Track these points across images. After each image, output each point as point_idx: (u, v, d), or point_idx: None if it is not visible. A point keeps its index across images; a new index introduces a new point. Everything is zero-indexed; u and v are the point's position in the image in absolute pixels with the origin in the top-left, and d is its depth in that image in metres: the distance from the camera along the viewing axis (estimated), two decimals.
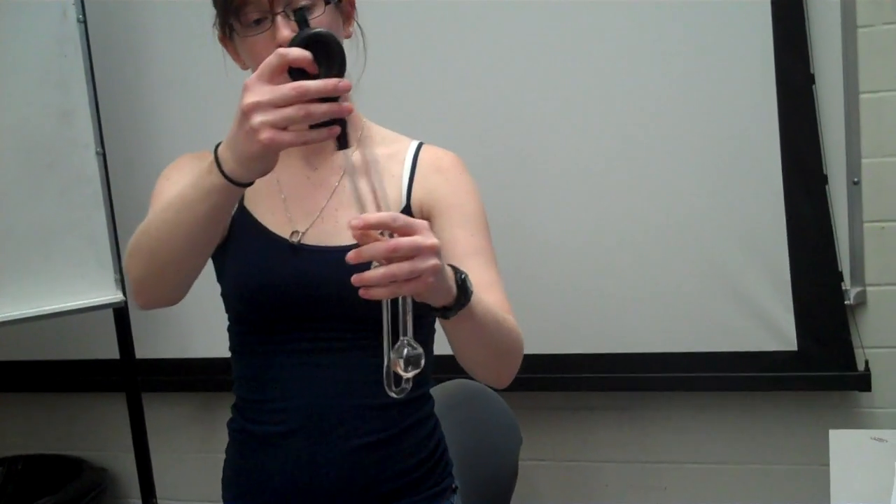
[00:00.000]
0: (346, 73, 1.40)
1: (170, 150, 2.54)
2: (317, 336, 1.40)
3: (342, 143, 1.10)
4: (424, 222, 1.10)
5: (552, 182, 2.39)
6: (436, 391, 1.68)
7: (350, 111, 1.08)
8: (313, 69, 1.08)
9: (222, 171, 1.14)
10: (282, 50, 1.08)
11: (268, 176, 1.42)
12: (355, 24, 1.46)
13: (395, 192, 1.44)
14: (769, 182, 2.25)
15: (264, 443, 1.44)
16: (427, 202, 1.44)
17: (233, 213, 1.38)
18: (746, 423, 2.45)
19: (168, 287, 1.32)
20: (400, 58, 2.38)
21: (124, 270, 1.32)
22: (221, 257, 1.45)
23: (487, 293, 1.33)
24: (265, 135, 1.07)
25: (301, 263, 1.40)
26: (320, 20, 1.32)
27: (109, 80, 2.56)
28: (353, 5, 1.45)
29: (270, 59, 1.08)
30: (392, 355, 1.13)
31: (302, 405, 1.41)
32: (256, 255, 1.42)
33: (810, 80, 2.21)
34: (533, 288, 2.39)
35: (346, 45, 1.42)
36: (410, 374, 1.14)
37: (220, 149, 1.15)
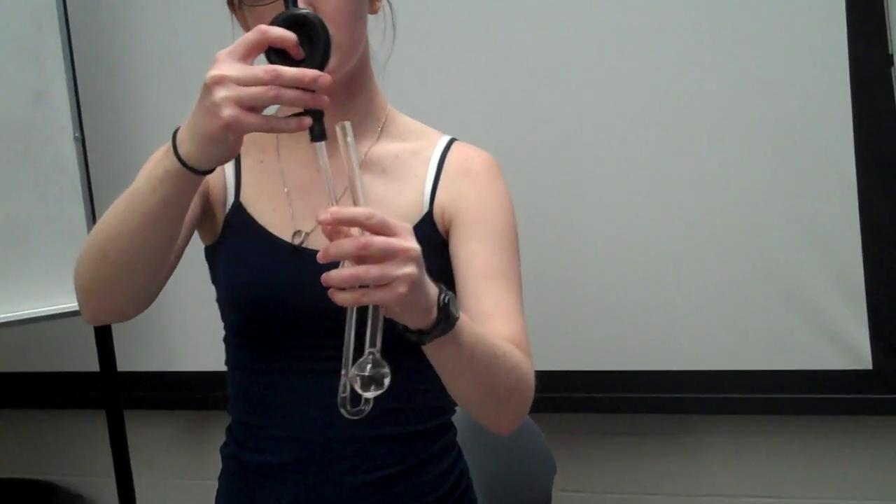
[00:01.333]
0: (372, 53, 1.40)
1: (156, 135, 2.53)
2: (323, 354, 1.36)
3: (316, 134, 1.09)
4: (407, 225, 1.07)
5: (594, 179, 2.40)
6: (459, 413, 1.68)
7: (325, 103, 1.07)
8: (297, 53, 1.08)
9: (177, 154, 1.12)
10: (264, 27, 1.07)
11: (272, 166, 1.42)
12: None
13: (417, 193, 1.43)
14: (840, 177, 2.24)
15: (261, 475, 1.42)
16: (450, 209, 1.42)
17: (190, 210, 1.35)
18: (813, 452, 2.43)
19: (119, 296, 1.28)
20: (431, 38, 2.38)
21: (74, 278, 1.30)
22: (214, 259, 1.44)
23: (499, 322, 1.30)
24: (227, 111, 1.05)
25: (301, 269, 1.37)
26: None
27: (89, 55, 2.57)
28: None
29: (249, 35, 1.07)
30: (353, 370, 1.10)
31: (305, 434, 1.39)
32: (253, 259, 1.40)
33: (888, 62, 2.19)
34: (570, 297, 2.38)
35: (372, 21, 1.42)
36: (371, 395, 1.10)
37: (179, 129, 1.14)
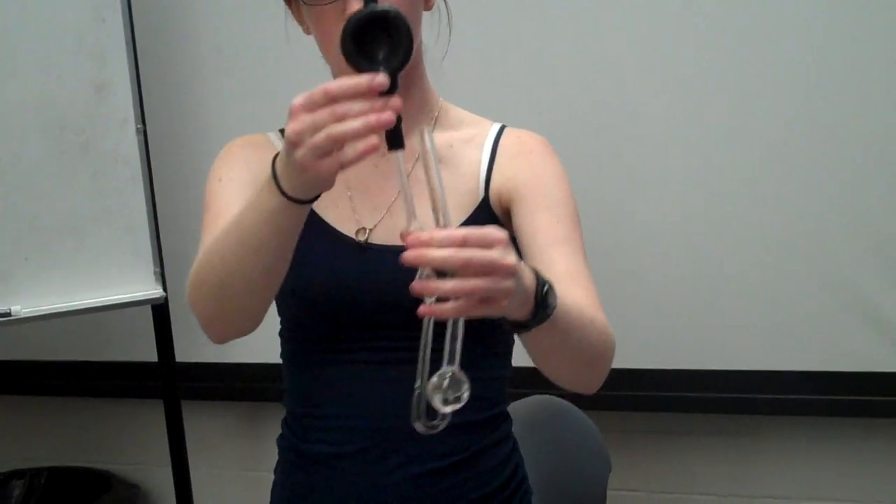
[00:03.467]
0: (424, 48, 1.39)
1: (218, 128, 2.59)
2: (384, 346, 1.40)
3: (393, 142, 1.07)
4: (503, 235, 1.05)
5: (653, 174, 2.38)
6: (515, 407, 1.68)
7: (390, 120, 1.03)
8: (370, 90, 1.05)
9: (282, 190, 1.13)
10: (329, 87, 1.04)
11: None
12: None
13: (472, 180, 1.44)
14: None
15: (319, 464, 1.45)
16: (507, 189, 1.43)
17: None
18: (871, 455, 2.41)
19: (242, 320, 1.30)
20: (484, 32, 2.38)
21: (189, 304, 1.31)
22: None
23: (572, 286, 1.30)
24: (310, 166, 1.06)
25: (368, 264, 1.40)
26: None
27: (152, 48, 2.60)
28: None
29: (332, 90, 1.04)
30: (430, 386, 1.08)
31: (364, 424, 1.41)
32: (318, 255, 1.42)
33: None
34: (627, 294, 2.38)
35: (426, 18, 1.43)
36: (449, 410, 1.10)
37: (276, 164, 1.14)
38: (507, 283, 1.04)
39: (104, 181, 2.44)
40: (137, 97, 2.45)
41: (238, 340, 2.71)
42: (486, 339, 1.44)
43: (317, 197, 1.16)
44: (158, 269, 2.47)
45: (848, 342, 2.29)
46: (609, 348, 1.34)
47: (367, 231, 1.42)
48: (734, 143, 2.32)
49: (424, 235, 1.02)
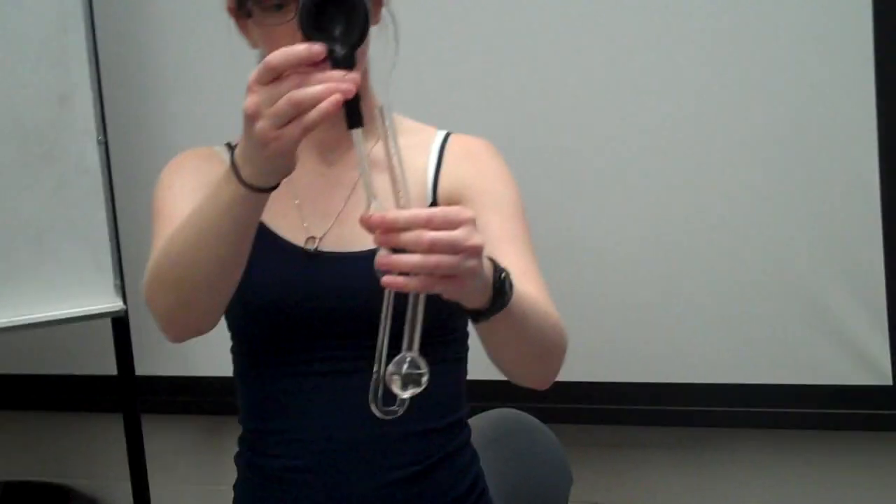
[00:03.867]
0: (374, 66, 1.40)
1: (180, 139, 2.57)
2: (336, 356, 1.40)
3: (352, 120, 1.08)
4: (469, 214, 1.07)
5: (603, 183, 2.40)
6: (476, 421, 1.68)
7: (350, 88, 1.05)
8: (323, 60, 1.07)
9: (241, 179, 1.14)
10: (288, 50, 1.06)
11: None
12: (385, 10, 1.46)
13: (419, 186, 1.44)
14: (863, 189, 2.23)
15: (277, 479, 1.44)
16: (455, 192, 1.44)
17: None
18: (831, 468, 2.42)
19: (201, 314, 1.30)
20: (426, 43, 2.39)
21: (146, 302, 1.31)
22: None
23: (524, 282, 1.31)
24: (270, 139, 1.07)
25: (318, 273, 1.40)
26: None
27: (114, 59, 2.59)
28: None
29: (272, 61, 1.06)
30: (390, 368, 1.09)
31: (321, 436, 1.41)
32: (267, 266, 1.41)
33: None
34: (585, 306, 2.38)
35: (373, 32, 1.43)
36: (408, 395, 1.11)
37: (235, 154, 1.15)
38: (472, 263, 1.06)
39: (66, 192, 2.42)
40: (99, 108, 2.44)
41: (197, 352, 2.70)
42: (439, 346, 1.44)
43: (276, 186, 1.16)
44: (119, 282, 2.46)
45: (811, 356, 2.30)
46: (562, 342, 1.36)
47: (317, 240, 1.42)
48: (704, 160, 2.34)
49: (389, 216, 1.03)
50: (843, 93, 2.23)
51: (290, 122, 1.06)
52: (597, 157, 2.39)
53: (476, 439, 1.55)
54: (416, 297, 1.09)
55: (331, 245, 1.42)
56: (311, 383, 1.41)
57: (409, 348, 1.09)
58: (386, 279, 1.04)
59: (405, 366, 1.09)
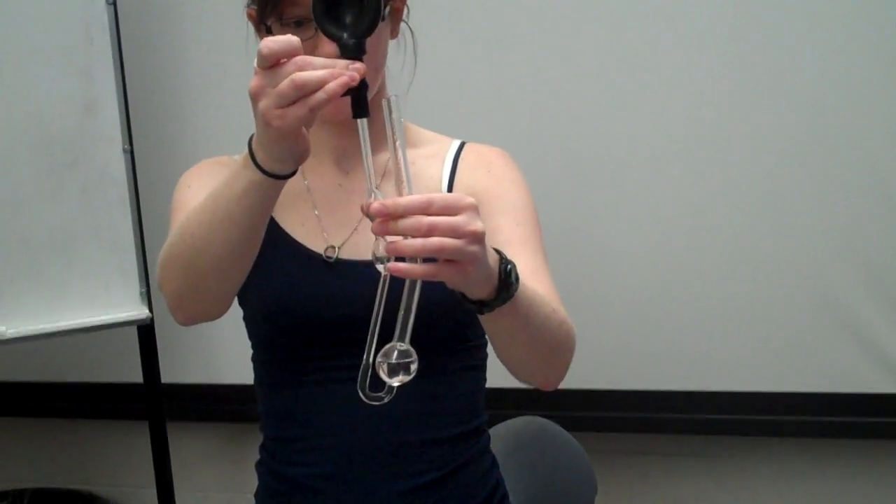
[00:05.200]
0: (392, 79, 1.41)
1: (205, 148, 2.56)
2: (356, 363, 1.39)
3: (358, 109, 1.10)
4: (471, 201, 1.07)
5: (638, 193, 2.40)
6: (500, 429, 1.68)
7: (353, 76, 1.07)
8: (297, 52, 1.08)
9: (257, 164, 1.16)
10: (275, 39, 1.08)
11: (298, 183, 1.44)
12: (404, 23, 1.48)
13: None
14: (888, 192, 2.23)
15: (298, 487, 1.45)
16: None
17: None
18: (860, 476, 2.41)
19: (210, 299, 1.32)
20: (440, 50, 2.39)
21: (158, 284, 1.33)
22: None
23: (533, 282, 1.31)
24: (274, 117, 1.08)
25: (337, 282, 1.41)
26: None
27: (139, 68, 2.61)
28: (404, 1, 1.46)
29: (262, 50, 1.08)
30: (379, 357, 1.10)
31: (341, 443, 1.42)
32: (287, 272, 1.42)
33: None
34: (613, 314, 2.38)
35: (392, 47, 1.45)
36: (396, 383, 1.11)
37: (252, 140, 1.17)
38: (474, 248, 1.06)
39: (92, 200, 2.44)
40: (125, 116, 2.46)
41: (222, 359, 2.72)
42: (457, 353, 1.45)
43: (291, 174, 1.18)
44: (144, 290, 2.47)
45: (837, 363, 2.30)
46: (570, 341, 1.36)
47: (336, 249, 1.43)
48: (723, 163, 2.34)
49: (389, 202, 1.03)
50: (866, 102, 2.23)
51: (294, 102, 1.07)
52: (612, 161, 2.40)
53: (500, 447, 1.55)
54: (411, 288, 1.09)
55: (349, 254, 1.42)
56: (330, 391, 1.42)
57: (401, 339, 1.10)
58: (391, 265, 1.05)
59: (395, 354, 1.10)
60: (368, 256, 1.10)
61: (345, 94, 1.08)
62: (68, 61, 2.40)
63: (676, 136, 2.35)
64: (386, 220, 1.03)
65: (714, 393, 2.39)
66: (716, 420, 2.41)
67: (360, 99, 1.09)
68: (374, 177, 1.12)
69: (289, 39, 1.07)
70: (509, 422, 1.86)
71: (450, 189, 1.46)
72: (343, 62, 1.08)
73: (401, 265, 1.05)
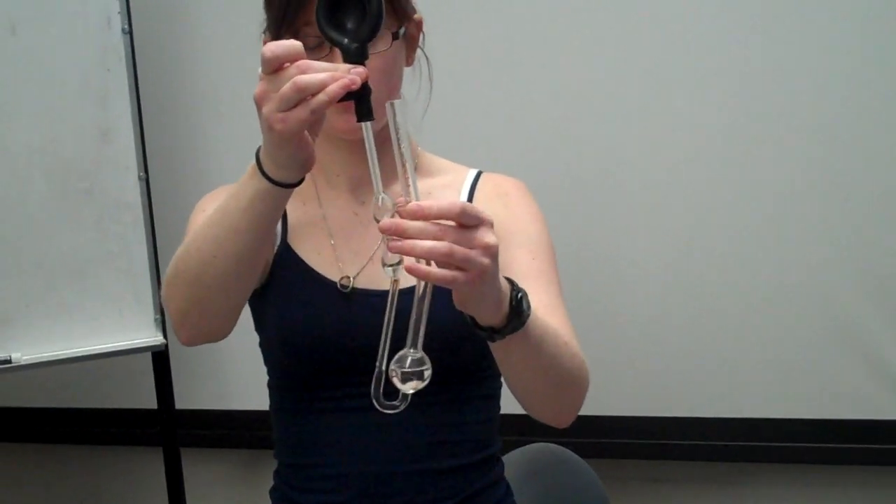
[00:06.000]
0: (408, 107, 1.42)
1: (220, 175, 2.59)
2: (370, 392, 1.40)
3: (362, 113, 1.11)
4: (486, 216, 1.07)
5: (648, 215, 2.40)
6: (514, 455, 1.68)
7: (353, 80, 1.07)
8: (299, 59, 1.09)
9: (263, 173, 1.16)
10: (278, 44, 1.09)
11: (314, 211, 1.45)
12: (420, 50, 1.49)
13: None
14: None
15: None
16: None
17: (278, 227, 1.39)
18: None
19: (214, 318, 1.31)
20: (464, 84, 2.42)
21: (163, 302, 1.33)
22: (261, 301, 1.46)
23: (547, 316, 1.31)
24: (275, 120, 1.08)
25: (352, 311, 1.41)
26: (385, 55, 1.35)
27: (155, 96, 2.63)
28: (419, 28, 1.48)
29: (265, 53, 1.09)
30: (393, 365, 1.10)
31: (356, 471, 1.42)
32: (303, 301, 1.43)
33: None
34: (625, 340, 2.38)
35: (407, 74, 1.46)
36: (410, 390, 1.11)
37: (259, 150, 1.17)
38: (486, 260, 1.06)
39: (107, 227, 2.45)
40: (140, 145, 2.48)
41: (237, 387, 2.72)
42: (471, 382, 1.46)
43: (297, 183, 1.17)
44: (159, 316, 2.48)
45: (851, 389, 2.29)
46: (582, 377, 1.34)
47: (351, 278, 1.43)
48: (734, 183, 2.33)
49: (424, 204, 1.04)
50: (881, 123, 2.23)
51: (296, 106, 1.07)
52: (626, 185, 2.41)
53: (514, 474, 1.55)
54: (422, 297, 1.10)
55: (364, 283, 1.43)
56: (345, 419, 1.42)
57: (414, 346, 1.10)
58: (409, 265, 1.05)
59: (408, 361, 1.10)
60: (382, 287, 1.10)
61: (348, 99, 1.08)
62: (85, 89, 2.43)
63: (693, 164, 2.35)
64: (400, 227, 1.04)
65: (727, 419, 2.39)
66: (729, 447, 2.41)
67: (364, 102, 1.10)
68: (380, 179, 1.11)
69: (291, 43, 1.08)
70: (523, 448, 1.85)
71: None
72: (345, 66, 1.08)
73: (418, 266, 1.05)
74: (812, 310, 2.30)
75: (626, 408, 2.41)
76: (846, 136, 2.25)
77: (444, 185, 1.50)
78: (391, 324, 1.13)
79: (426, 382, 1.11)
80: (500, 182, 1.52)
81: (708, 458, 2.46)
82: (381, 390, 1.14)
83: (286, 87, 1.06)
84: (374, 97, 1.12)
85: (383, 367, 1.12)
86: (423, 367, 1.10)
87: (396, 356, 1.11)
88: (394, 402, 1.15)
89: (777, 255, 2.32)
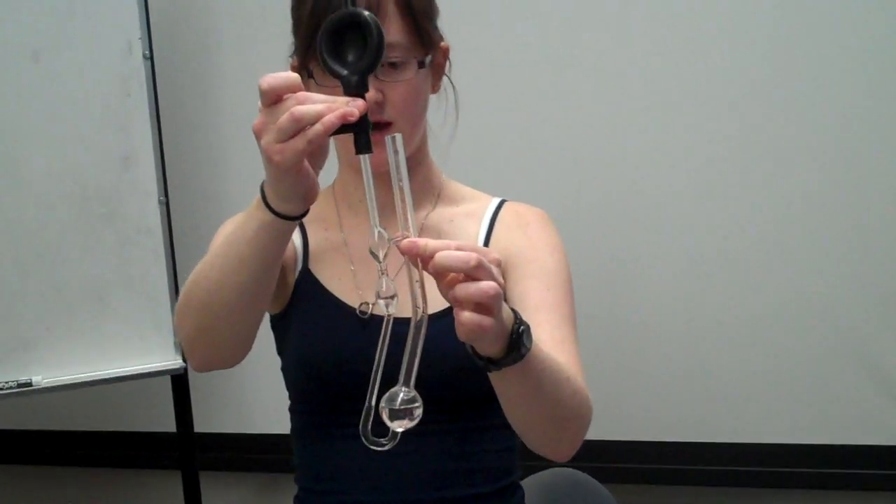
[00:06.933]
0: (434, 136, 1.42)
1: (240, 200, 2.61)
2: None
3: (360, 145, 1.10)
4: (497, 257, 1.09)
5: (661, 239, 2.40)
6: (532, 480, 1.68)
7: (351, 112, 1.07)
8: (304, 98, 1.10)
9: (267, 204, 1.17)
10: (275, 75, 1.10)
11: (335, 237, 1.46)
12: (446, 77, 1.50)
13: None
14: None
15: None
16: (502, 259, 1.44)
17: (285, 256, 1.39)
18: None
19: (223, 345, 1.32)
20: (490, 110, 2.42)
21: (174, 329, 1.34)
22: (283, 326, 1.47)
23: (555, 351, 1.30)
24: (273, 152, 1.09)
25: (370, 339, 1.40)
26: (409, 83, 1.36)
27: (175, 122, 2.65)
28: (446, 56, 1.48)
29: (262, 85, 1.10)
30: (383, 402, 1.09)
31: (374, 499, 1.42)
32: (322, 326, 1.44)
33: None
34: (641, 365, 2.38)
35: (433, 101, 1.47)
36: (399, 429, 1.10)
37: (263, 183, 1.18)
38: (492, 287, 1.05)
39: (128, 252, 2.47)
40: (161, 170, 2.49)
41: (256, 411, 2.72)
42: (489, 411, 1.44)
43: (301, 216, 1.18)
44: (178, 340, 2.48)
45: (865, 415, 2.27)
46: (583, 414, 1.33)
47: (370, 305, 1.43)
48: (743, 203, 2.33)
49: (420, 241, 1.05)
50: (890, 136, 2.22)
51: (293, 136, 1.08)
52: (647, 212, 2.40)
53: (532, 500, 1.54)
54: (416, 333, 1.10)
55: (383, 311, 1.42)
56: (363, 446, 1.41)
57: (406, 383, 1.09)
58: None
59: (398, 401, 1.09)
60: (401, 314, 1.10)
61: (346, 131, 1.08)
62: (106, 115, 2.45)
63: (699, 185, 2.36)
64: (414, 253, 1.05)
65: (747, 445, 2.38)
66: (748, 472, 2.39)
67: (363, 135, 1.10)
68: (376, 212, 1.10)
69: (288, 75, 1.09)
70: (541, 473, 1.85)
71: (485, 247, 1.46)
72: (344, 98, 1.08)
73: (472, 318, 1.04)
74: (820, 331, 2.28)
75: (645, 433, 2.40)
76: (858, 156, 2.24)
77: (466, 214, 1.51)
78: (383, 357, 1.13)
79: (416, 422, 1.10)
80: (522, 212, 1.52)
81: (727, 483, 2.44)
82: (370, 426, 1.13)
83: (283, 118, 1.07)
84: (397, 125, 1.12)
85: (372, 403, 1.12)
86: (414, 406, 1.09)
87: (388, 393, 1.09)
88: (381, 440, 1.13)
89: (792, 283, 2.30)
